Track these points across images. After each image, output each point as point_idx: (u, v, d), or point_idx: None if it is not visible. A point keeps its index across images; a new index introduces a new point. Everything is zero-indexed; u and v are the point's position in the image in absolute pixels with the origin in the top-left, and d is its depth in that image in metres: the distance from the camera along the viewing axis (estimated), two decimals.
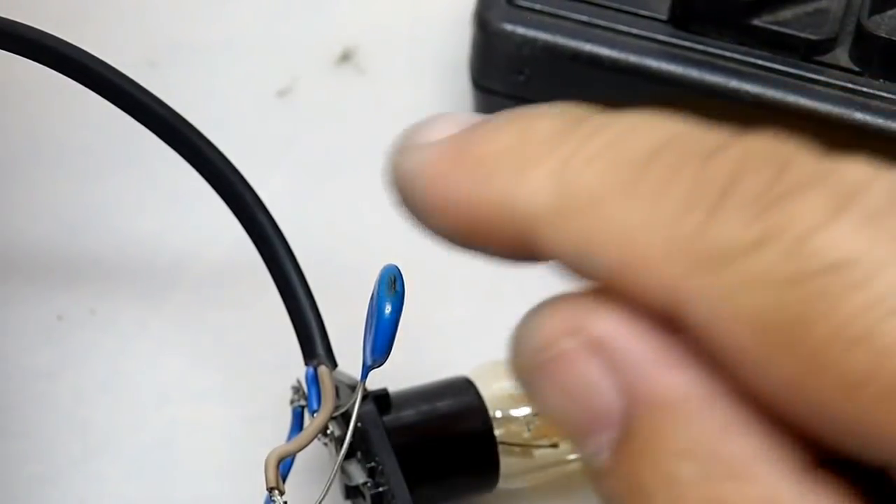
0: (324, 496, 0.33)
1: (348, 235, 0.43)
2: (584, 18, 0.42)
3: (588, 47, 0.42)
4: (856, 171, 0.22)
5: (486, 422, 0.36)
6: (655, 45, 0.42)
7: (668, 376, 0.22)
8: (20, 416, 0.40)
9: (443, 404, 0.36)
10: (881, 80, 0.41)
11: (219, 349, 0.41)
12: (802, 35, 0.41)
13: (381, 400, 0.36)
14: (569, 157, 0.23)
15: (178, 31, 0.48)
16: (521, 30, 0.42)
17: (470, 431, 0.36)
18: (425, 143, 0.25)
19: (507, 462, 0.37)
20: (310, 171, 0.45)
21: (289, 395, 0.36)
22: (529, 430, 0.37)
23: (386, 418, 0.35)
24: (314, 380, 0.35)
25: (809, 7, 0.41)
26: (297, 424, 0.36)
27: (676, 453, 0.22)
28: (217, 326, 0.41)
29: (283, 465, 0.33)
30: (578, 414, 0.23)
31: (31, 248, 0.43)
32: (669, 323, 0.22)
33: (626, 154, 0.23)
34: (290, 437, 0.35)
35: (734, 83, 0.41)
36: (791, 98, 0.41)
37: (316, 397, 0.35)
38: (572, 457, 0.38)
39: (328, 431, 0.35)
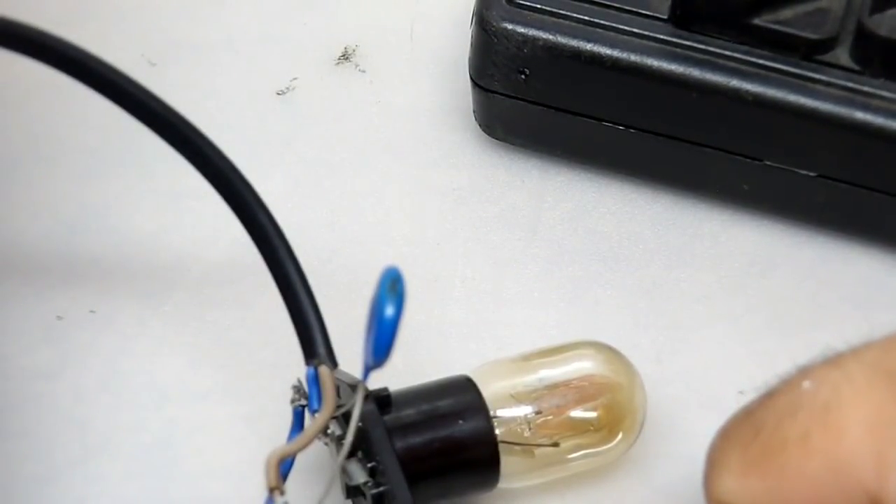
0: (325, 496, 0.33)
1: (348, 235, 0.44)
2: (585, 17, 0.42)
3: (589, 46, 0.42)
4: None
5: (486, 421, 0.36)
6: (656, 45, 0.42)
7: None
8: (19, 416, 0.40)
9: (443, 403, 0.36)
10: (882, 80, 0.41)
11: (218, 349, 0.41)
12: (803, 34, 0.41)
13: (382, 399, 0.36)
14: None
15: (177, 30, 0.48)
16: (521, 29, 0.42)
17: (471, 430, 0.36)
18: None
19: (507, 461, 0.37)
20: (310, 170, 0.45)
21: (289, 394, 0.36)
22: (530, 429, 0.37)
23: (386, 418, 0.35)
24: (315, 379, 0.35)
25: (810, 6, 0.41)
26: (298, 424, 0.36)
27: None
28: (217, 326, 0.41)
29: (283, 465, 0.33)
30: None
31: (30, 247, 0.43)
32: None
33: None
34: (290, 437, 0.35)
35: (735, 82, 0.41)
36: (791, 97, 0.41)
37: (317, 397, 0.35)
38: (573, 456, 0.38)
39: (329, 431, 0.35)
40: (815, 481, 0.30)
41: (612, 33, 0.42)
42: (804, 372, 0.32)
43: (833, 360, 0.31)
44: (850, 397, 0.30)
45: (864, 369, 0.31)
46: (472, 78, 0.44)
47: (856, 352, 0.31)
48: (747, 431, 0.32)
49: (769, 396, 0.32)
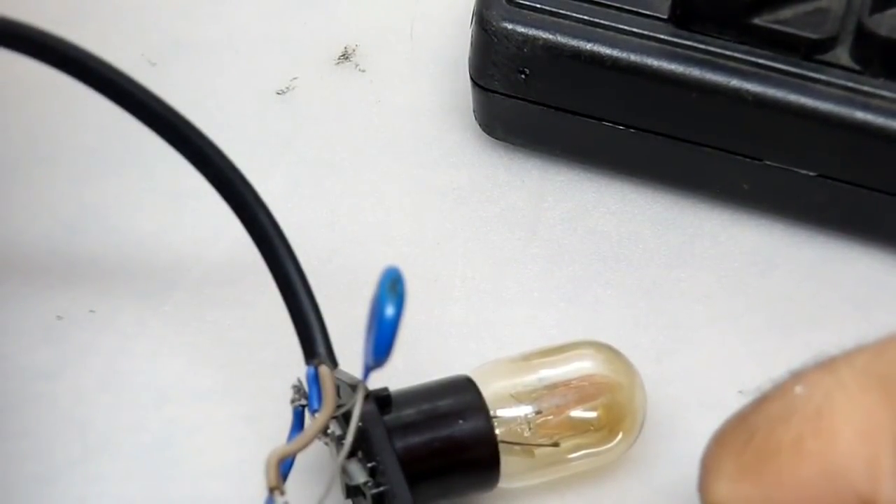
0: (325, 496, 0.33)
1: (348, 235, 0.43)
2: (585, 17, 0.42)
3: (589, 46, 0.42)
4: None
5: (486, 421, 0.36)
6: (656, 44, 0.42)
7: None
8: (19, 416, 0.40)
9: (444, 403, 0.36)
10: (882, 80, 0.41)
11: (218, 348, 0.41)
12: (803, 34, 0.41)
13: (382, 399, 0.36)
14: None
15: (177, 29, 0.48)
16: (521, 29, 0.42)
17: (471, 430, 0.36)
18: None
19: (507, 461, 0.37)
20: (309, 169, 0.45)
21: (289, 394, 0.36)
22: (530, 429, 0.37)
23: (387, 417, 0.35)
24: (315, 379, 0.35)
25: (810, 6, 0.41)
26: (298, 424, 0.36)
27: None
28: (217, 326, 0.41)
29: (283, 465, 0.33)
30: None
31: (30, 247, 0.43)
32: None
33: None
34: (290, 437, 0.35)
35: (735, 82, 0.41)
36: (792, 97, 0.41)
37: (317, 397, 0.35)
38: (573, 456, 0.38)
39: (329, 431, 0.35)
40: (808, 486, 0.30)
41: (612, 33, 0.42)
42: (796, 377, 0.32)
43: (825, 365, 0.31)
44: (842, 402, 0.30)
45: (855, 374, 0.31)
46: (472, 78, 0.44)
47: (847, 356, 0.31)
48: (741, 436, 0.32)
49: (762, 401, 0.32)
